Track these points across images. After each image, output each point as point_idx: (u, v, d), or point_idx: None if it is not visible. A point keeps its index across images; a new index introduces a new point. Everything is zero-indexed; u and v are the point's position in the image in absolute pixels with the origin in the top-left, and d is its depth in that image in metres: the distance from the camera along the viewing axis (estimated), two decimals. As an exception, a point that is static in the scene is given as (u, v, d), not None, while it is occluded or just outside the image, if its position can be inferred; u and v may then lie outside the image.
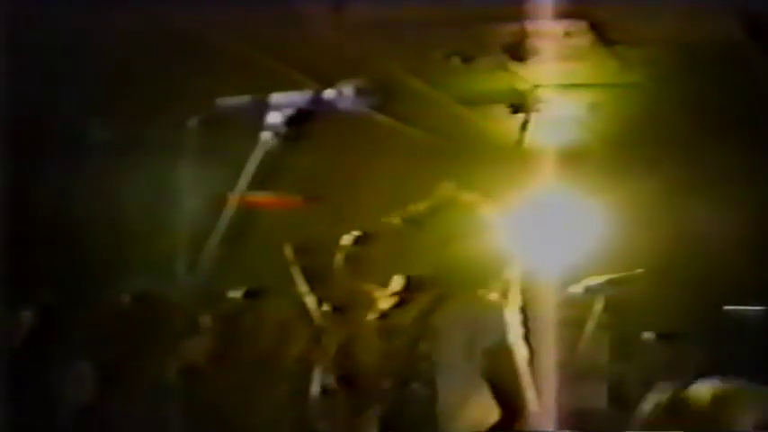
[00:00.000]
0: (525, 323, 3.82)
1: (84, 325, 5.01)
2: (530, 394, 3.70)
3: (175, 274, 3.07)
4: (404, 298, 3.88)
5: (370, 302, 3.93)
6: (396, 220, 3.97)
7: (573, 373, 4.67)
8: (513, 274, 3.92)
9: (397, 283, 3.92)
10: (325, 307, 4.36)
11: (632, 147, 6.14)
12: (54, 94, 4.63)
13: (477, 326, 3.83)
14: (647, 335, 6.27)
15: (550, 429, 4.05)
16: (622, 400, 6.34)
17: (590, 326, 4.94)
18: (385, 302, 3.89)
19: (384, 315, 3.88)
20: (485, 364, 3.73)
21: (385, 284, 4.02)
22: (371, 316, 3.89)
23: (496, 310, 3.82)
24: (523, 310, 3.86)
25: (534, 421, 3.73)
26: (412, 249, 3.99)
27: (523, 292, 3.91)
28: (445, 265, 3.85)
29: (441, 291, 3.81)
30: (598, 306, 4.90)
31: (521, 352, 3.73)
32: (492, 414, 3.74)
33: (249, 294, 4.59)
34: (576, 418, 4.49)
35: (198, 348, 4.76)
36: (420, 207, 3.96)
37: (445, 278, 3.84)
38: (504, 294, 3.86)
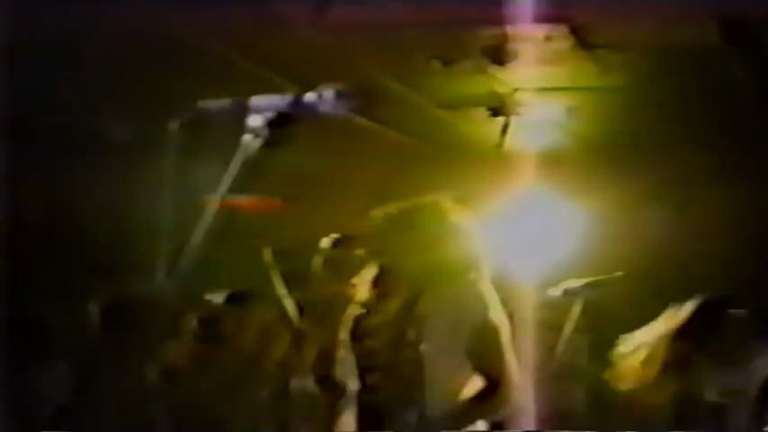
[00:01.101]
0: (503, 302, 3.86)
1: (62, 326, 4.99)
2: (513, 366, 3.74)
3: (155, 276, 3.07)
4: (381, 292, 3.90)
5: (349, 300, 3.94)
6: (379, 214, 3.98)
7: (551, 375, 4.69)
8: (486, 265, 3.96)
9: (369, 273, 3.94)
10: (306, 310, 4.36)
11: (611, 150, 6.16)
12: (36, 94, 4.62)
13: (461, 310, 3.86)
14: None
15: (529, 430, 4.07)
16: (600, 402, 6.37)
17: (568, 329, 4.95)
18: (362, 297, 3.90)
19: (366, 312, 3.89)
20: (469, 341, 3.76)
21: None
22: (352, 313, 3.90)
23: (477, 293, 3.85)
24: (498, 292, 3.90)
25: (517, 395, 3.76)
26: (390, 252, 4.00)
27: (497, 285, 3.94)
28: (424, 263, 3.86)
29: (421, 283, 3.83)
30: (576, 309, 4.91)
31: (503, 326, 3.77)
32: (477, 383, 3.77)
33: (232, 298, 4.58)
34: (555, 420, 4.51)
35: (178, 351, 4.75)
36: (402, 207, 3.98)
37: (424, 274, 3.85)
38: (482, 276, 3.90)
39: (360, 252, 4.03)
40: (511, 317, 3.81)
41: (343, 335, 3.93)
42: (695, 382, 3.86)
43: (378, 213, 4.02)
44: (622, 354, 3.85)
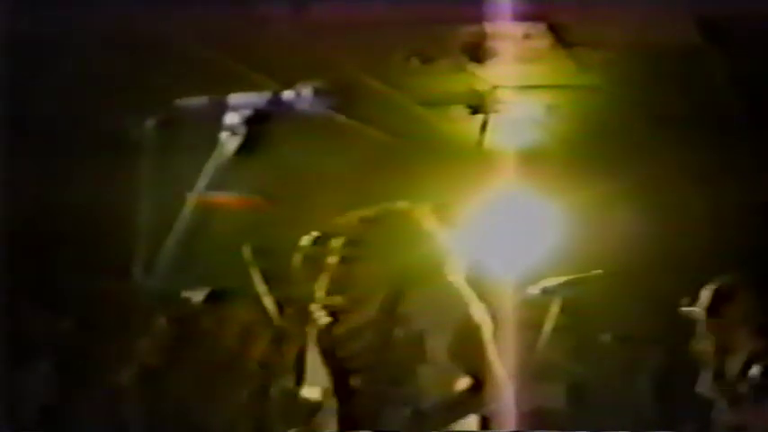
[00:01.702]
0: (482, 300, 3.87)
1: (42, 325, 4.98)
2: (496, 363, 3.75)
3: (132, 274, 3.06)
4: (351, 296, 3.91)
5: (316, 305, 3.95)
6: (353, 218, 3.98)
7: (530, 374, 4.69)
8: (462, 260, 3.97)
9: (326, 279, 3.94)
10: (287, 309, 4.35)
11: (590, 148, 6.18)
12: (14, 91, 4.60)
13: (442, 308, 3.87)
14: (604, 337, 6.32)
15: (509, 429, 4.07)
16: (580, 401, 6.39)
17: (547, 327, 4.96)
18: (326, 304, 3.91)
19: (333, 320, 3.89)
20: (451, 340, 3.77)
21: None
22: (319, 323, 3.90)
23: (456, 293, 3.86)
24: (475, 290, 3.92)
25: (501, 388, 3.77)
26: (365, 254, 3.99)
27: (479, 288, 3.95)
28: (400, 264, 3.87)
29: (398, 283, 3.83)
30: (555, 308, 4.92)
31: (486, 325, 3.78)
32: (464, 382, 3.79)
33: (211, 297, 4.57)
34: (535, 418, 4.52)
35: (153, 350, 4.73)
36: (375, 211, 3.98)
37: (401, 273, 3.85)
38: (460, 275, 3.91)
39: (332, 259, 4.02)
40: (491, 315, 3.82)
41: (312, 345, 3.92)
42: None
43: (352, 216, 4.01)
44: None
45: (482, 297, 3.83)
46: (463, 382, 3.81)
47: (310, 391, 3.88)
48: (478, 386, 3.77)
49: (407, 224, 3.93)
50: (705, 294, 4.23)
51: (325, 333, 3.88)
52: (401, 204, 4.01)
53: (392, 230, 3.92)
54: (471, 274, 3.88)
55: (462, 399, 3.78)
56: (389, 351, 3.85)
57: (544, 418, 4.95)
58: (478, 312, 3.80)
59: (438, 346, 3.91)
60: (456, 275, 3.84)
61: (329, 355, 3.83)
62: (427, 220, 3.96)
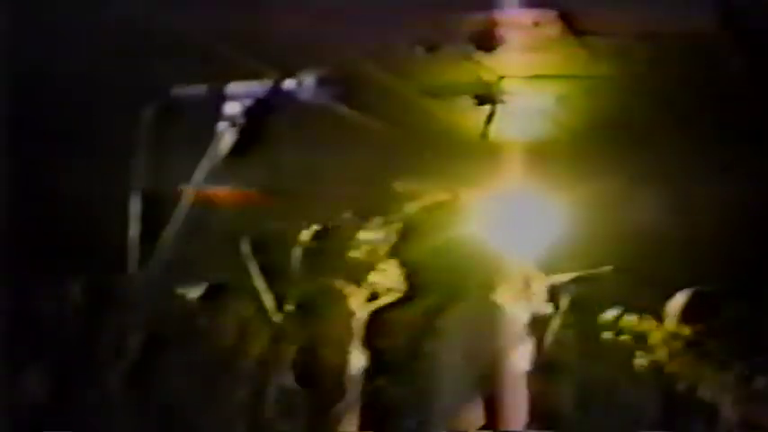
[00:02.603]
0: (532, 326, 3.85)
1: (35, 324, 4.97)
2: (521, 404, 3.74)
3: (128, 269, 3.05)
4: (406, 295, 3.90)
5: (339, 299, 3.92)
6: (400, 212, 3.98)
7: (539, 371, 4.69)
8: (517, 276, 3.95)
9: (393, 272, 3.92)
10: (288, 305, 4.35)
11: (601, 140, 6.15)
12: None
13: (480, 329, 3.85)
14: (606, 334, 6.31)
15: (518, 427, 4.08)
16: (588, 398, 6.39)
17: (555, 324, 4.96)
18: (383, 297, 3.90)
19: (378, 310, 3.89)
20: (483, 376, 3.76)
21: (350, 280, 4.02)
22: (363, 310, 3.90)
23: (500, 314, 3.84)
24: (530, 311, 3.89)
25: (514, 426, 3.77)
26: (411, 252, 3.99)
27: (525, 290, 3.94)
28: (449, 271, 3.86)
29: (446, 292, 3.82)
30: (564, 304, 4.92)
31: (523, 359, 3.77)
32: (477, 419, 3.78)
33: (209, 292, 4.57)
34: (543, 416, 4.52)
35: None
36: (410, 210, 3.98)
37: (450, 283, 3.85)
38: (513, 297, 3.88)
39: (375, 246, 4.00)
40: (537, 346, 3.78)
41: (358, 329, 3.91)
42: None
43: (398, 210, 4.01)
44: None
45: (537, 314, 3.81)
46: (477, 421, 3.79)
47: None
48: (491, 424, 3.75)
49: (454, 218, 3.92)
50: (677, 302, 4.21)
51: (373, 319, 3.88)
52: (439, 197, 4.00)
53: (439, 225, 3.91)
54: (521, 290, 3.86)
55: None
56: (417, 361, 3.85)
57: (552, 416, 4.95)
58: (517, 346, 3.78)
59: (465, 371, 3.90)
60: (508, 296, 3.82)
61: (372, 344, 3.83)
62: (455, 202, 3.94)
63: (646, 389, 6.36)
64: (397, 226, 3.94)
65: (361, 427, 3.84)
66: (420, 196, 3.96)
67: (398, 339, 3.84)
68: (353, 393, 3.87)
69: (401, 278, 3.87)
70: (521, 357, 3.73)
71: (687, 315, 4.03)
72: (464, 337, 3.79)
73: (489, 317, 3.79)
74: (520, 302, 3.80)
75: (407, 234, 3.89)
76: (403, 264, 3.87)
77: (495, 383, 3.74)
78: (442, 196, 4.00)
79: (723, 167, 5.76)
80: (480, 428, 3.76)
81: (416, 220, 3.93)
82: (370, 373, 3.82)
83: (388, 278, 3.90)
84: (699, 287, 4.30)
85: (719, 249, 5.98)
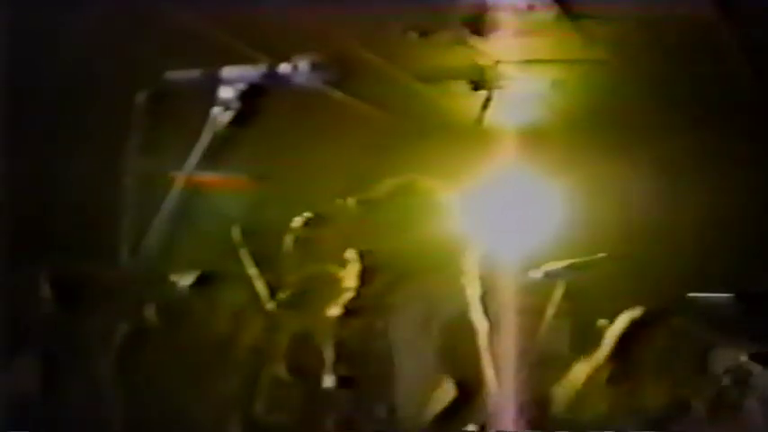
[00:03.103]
0: (484, 300, 3.84)
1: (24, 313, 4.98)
2: (489, 373, 3.72)
3: (118, 256, 3.07)
4: (361, 286, 3.89)
5: (335, 285, 3.93)
6: (351, 201, 3.97)
7: (532, 362, 4.71)
8: (473, 256, 3.94)
9: (352, 259, 3.92)
10: (280, 294, 4.37)
11: (597, 126, 6.19)
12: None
13: (434, 302, 3.83)
14: (602, 322, 6.33)
15: (510, 419, 4.09)
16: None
17: (549, 313, 4.98)
18: (350, 284, 3.90)
19: (355, 299, 3.89)
20: (442, 341, 3.74)
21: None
22: (334, 311, 3.90)
23: (454, 286, 3.82)
24: (483, 288, 3.88)
25: (492, 402, 3.75)
26: (367, 233, 3.99)
27: (483, 274, 3.93)
28: (401, 248, 3.85)
29: (398, 271, 3.81)
30: (558, 292, 4.94)
31: (481, 329, 3.75)
32: (448, 393, 3.75)
33: (200, 280, 4.59)
34: (536, 408, 4.54)
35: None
36: (378, 191, 3.96)
37: (402, 261, 3.84)
38: (466, 274, 3.88)
39: (331, 237, 4.03)
40: (492, 317, 3.79)
41: (329, 324, 3.92)
42: (637, 396, 3.90)
43: (351, 201, 4.00)
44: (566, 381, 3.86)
45: (489, 292, 3.81)
46: (447, 394, 3.77)
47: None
48: (465, 398, 3.73)
49: (413, 197, 3.92)
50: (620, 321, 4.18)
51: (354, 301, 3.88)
52: (403, 176, 4.00)
53: (397, 206, 3.91)
54: (484, 265, 3.86)
55: (447, 413, 3.75)
56: (370, 344, 3.84)
57: (544, 409, 4.97)
58: (477, 315, 3.78)
59: (426, 345, 3.89)
60: (467, 264, 3.81)
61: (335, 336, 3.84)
62: (435, 189, 3.94)
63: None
64: (357, 211, 3.94)
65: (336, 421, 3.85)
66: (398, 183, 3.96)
67: (354, 325, 3.84)
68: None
69: (358, 268, 3.88)
70: (484, 334, 3.72)
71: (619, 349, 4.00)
72: (419, 313, 3.77)
73: (447, 292, 3.78)
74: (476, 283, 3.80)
75: (368, 220, 3.89)
76: (361, 252, 3.87)
77: (464, 362, 3.72)
78: (411, 180, 3.99)
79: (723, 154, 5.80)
80: (453, 402, 3.74)
81: (379, 202, 3.92)
82: (334, 364, 3.83)
83: (350, 271, 3.92)
84: (645, 308, 4.27)
85: (716, 239, 6.02)
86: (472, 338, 3.71)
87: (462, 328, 3.75)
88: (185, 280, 4.59)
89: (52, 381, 4.84)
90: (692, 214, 6.27)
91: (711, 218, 6.20)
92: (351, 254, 3.90)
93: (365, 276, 3.89)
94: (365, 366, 3.83)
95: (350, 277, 3.90)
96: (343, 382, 3.83)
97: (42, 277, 5.00)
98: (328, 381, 3.86)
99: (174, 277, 4.76)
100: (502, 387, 3.98)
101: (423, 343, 3.77)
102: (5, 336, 4.74)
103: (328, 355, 3.86)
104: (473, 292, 3.80)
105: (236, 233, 4.83)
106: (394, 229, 3.86)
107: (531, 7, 4.40)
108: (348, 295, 3.91)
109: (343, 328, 3.88)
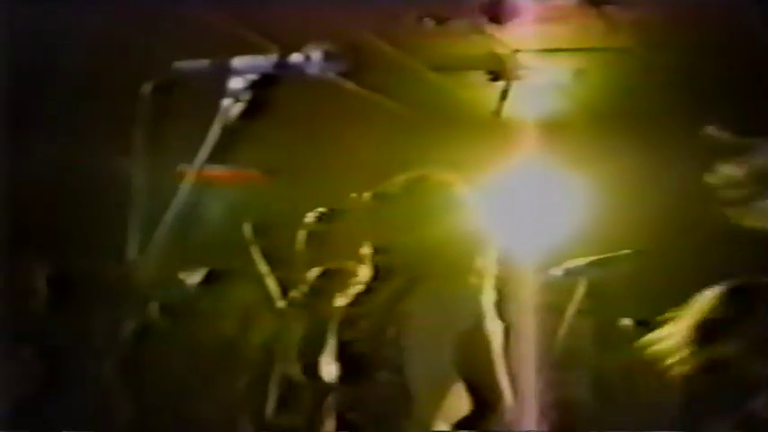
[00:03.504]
0: (500, 307, 3.81)
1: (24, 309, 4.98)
2: (505, 385, 3.69)
3: (126, 254, 3.05)
4: (374, 281, 3.86)
5: (349, 282, 3.91)
6: (366, 196, 3.94)
7: (553, 362, 4.70)
8: (490, 256, 3.91)
9: (368, 255, 3.89)
10: (293, 291, 4.36)
11: (620, 117, 6.15)
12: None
13: (449, 310, 3.80)
14: (626, 322, 6.31)
15: (530, 420, 4.07)
16: (605, 390, 6.39)
17: (570, 312, 4.96)
18: (363, 279, 3.87)
19: (357, 299, 3.86)
20: (456, 351, 3.71)
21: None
22: (341, 301, 3.87)
23: (471, 294, 3.80)
24: (499, 293, 3.85)
25: (509, 414, 3.72)
26: (382, 230, 3.96)
27: (500, 276, 3.90)
28: (417, 246, 3.82)
29: (413, 274, 3.78)
30: (580, 290, 4.92)
31: (496, 338, 3.72)
32: (464, 405, 3.72)
33: (209, 278, 4.59)
34: (557, 409, 4.52)
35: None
36: (393, 184, 3.93)
37: (418, 261, 3.81)
38: (481, 277, 3.84)
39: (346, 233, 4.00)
40: (510, 319, 3.76)
41: (334, 320, 3.89)
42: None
43: (366, 195, 3.97)
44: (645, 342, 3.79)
45: (507, 293, 3.78)
46: (462, 407, 3.73)
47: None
48: (481, 410, 3.70)
49: (430, 192, 3.88)
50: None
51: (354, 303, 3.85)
52: (420, 170, 3.96)
53: (413, 201, 3.86)
54: (502, 263, 3.83)
55: (462, 427, 3.72)
56: (382, 349, 3.81)
57: (567, 410, 4.95)
58: (493, 323, 3.74)
59: (438, 355, 3.86)
60: (487, 264, 3.77)
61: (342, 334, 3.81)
62: (454, 184, 3.90)
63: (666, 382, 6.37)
64: (372, 204, 3.90)
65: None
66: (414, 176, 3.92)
67: (362, 330, 3.81)
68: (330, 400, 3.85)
69: (370, 264, 3.84)
70: (498, 341, 3.68)
71: (709, 325, 3.92)
72: (432, 320, 3.74)
73: (461, 298, 3.74)
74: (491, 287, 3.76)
75: (382, 214, 3.86)
76: (375, 248, 3.84)
77: (478, 368, 3.69)
78: (427, 174, 3.95)
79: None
80: (470, 415, 3.70)
81: (394, 197, 3.89)
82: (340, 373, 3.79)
83: (363, 266, 3.88)
84: (734, 281, 4.21)
85: (747, 233, 5.98)
86: (488, 347, 3.68)
87: (478, 335, 3.72)
88: (194, 278, 4.59)
89: (55, 380, 4.85)
90: (720, 209, 6.23)
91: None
92: (366, 249, 3.87)
93: (380, 274, 3.86)
94: (373, 369, 3.81)
95: (364, 272, 3.87)
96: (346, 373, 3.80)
97: (46, 275, 5.01)
98: (329, 371, 3.83)
99: (182, 275, 4.76)
100: (522, 389, 3.95)
101: (437, 350, 3.75)
102: (7, 334, 4.75)
103: (332, 346, 3.83)
104: (489, 298, 3.77)
105: (247, 229, 4.83)
106: (410, 224, 3.82)
107: (551, -7, 4.39)
108: (359, 288, 3.88)
109: (352, 325, 3.85)
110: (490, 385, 3.64)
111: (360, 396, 3.75)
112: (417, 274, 3.77)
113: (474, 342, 3.68)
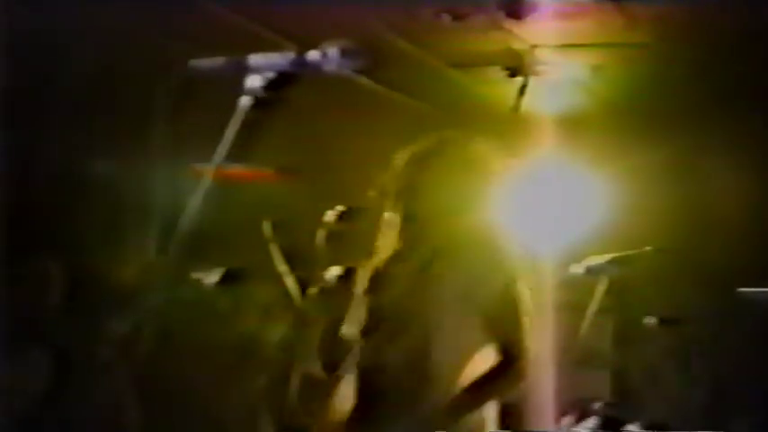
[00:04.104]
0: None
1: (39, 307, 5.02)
2: (530, 339, 3.71)
3: (146, 253, 3.09)
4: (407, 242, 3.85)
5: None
6: (398, 156, 3.95)
7: (573, 360, 4.70)
8: (511, 250, 3.93)
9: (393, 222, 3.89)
10: (312, 289, 4.37)
11: (639, 113, 6.16)
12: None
13: (478, 277, 3.81)
14: (649, 320, 6.31)
15: (550, 418, 4.08)
16: (626, 388, 6.40)
17: (592, 310, 4.96)
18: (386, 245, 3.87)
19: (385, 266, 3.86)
20: (485, 307, 3.71)
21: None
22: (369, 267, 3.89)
23: (500, 260, 3.80)
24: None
25: (532, 370, 3.74)
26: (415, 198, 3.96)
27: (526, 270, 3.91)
28: (446, 214, 3.80)
29: (441, 242, 3.78)
30: (601, 288, 4.92)
31: (525, 299, 3.74)
32: (489, 358, 3.73)
33: (228, 277, 4.60)
34: (577, 407, 4.53)
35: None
36: (425, 142, 3.93)
37: (446, 229, 3.80)
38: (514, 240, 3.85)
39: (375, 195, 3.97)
40: (534, 296, 3.78)
41: (360, 284, 3.90)
42: None
43: (402, 155, 3.97)
44: None
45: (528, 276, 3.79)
46: (488, 359, 3.75)
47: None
48: (507, 364, 3.71)
49: (465, 159, 3.86)
50: None
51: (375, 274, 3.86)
52: (453, 134, 3.95)
53: (447, 164, 3.85)
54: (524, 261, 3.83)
55: (486, 380, 3.73)
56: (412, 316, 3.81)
57: (587, 407, 4.96)
58: (522, 287, 3.76)
59: (466, 321, 3.87)
60: (514, 238, 3.78)
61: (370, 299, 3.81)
62: (489, 154, 3.89)
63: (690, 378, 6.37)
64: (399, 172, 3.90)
65: (359, 395, 3.82)
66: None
67: (392, 295, 3.82)
68: (351, 359, 3.85)
69: (397, 230, 3.84)
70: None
71: None
72: (462, 286, 3.74)
73: (490, 264, 3.74)
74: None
75: (409, 180, 3.85)
76: (404, 215, 3.84)
77: (507, 328, 3.69)
78: (457, 135, 3.95)
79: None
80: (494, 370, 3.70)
81: (418, 161, 3.89)
82: (367, 333, 3.81)
83: (388, 234, 3.88)
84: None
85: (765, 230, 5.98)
86: (518, 307, 3.70)
87: (509, 297, 3.73)
88: (212, 277, 4.60)
89: (69, 379, 4.88)
90: (742, 205, 6.23)
91: (763, 208, 6.16)
92: (391, 216, 3.88)
93: (408, 242, 3.86)
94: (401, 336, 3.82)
95: (392, 240, 3.88)
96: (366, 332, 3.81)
97: (62, 273, 5.05)
98: (350, 329, 3.83)
99: (199, 274, 4.78)
100: (543, 386, 3.96)
101: (465, 315, 3.75)
102: (20, 332, 4.79)
103: (360, 309, 3.83)
104: (521, 264, 3.77)
105: (266, 228, 4.84)
106: (445, 191, 3.81)
107: (569, -12, 4.39)
108: (383, 255, 3.89)
109: (378, 290, 3.86)
110: (517, 342, 3.64)
111: (384, 360, 3.76)
112: (445, 243, 3.78)
113: (504, 303, 3.68)
